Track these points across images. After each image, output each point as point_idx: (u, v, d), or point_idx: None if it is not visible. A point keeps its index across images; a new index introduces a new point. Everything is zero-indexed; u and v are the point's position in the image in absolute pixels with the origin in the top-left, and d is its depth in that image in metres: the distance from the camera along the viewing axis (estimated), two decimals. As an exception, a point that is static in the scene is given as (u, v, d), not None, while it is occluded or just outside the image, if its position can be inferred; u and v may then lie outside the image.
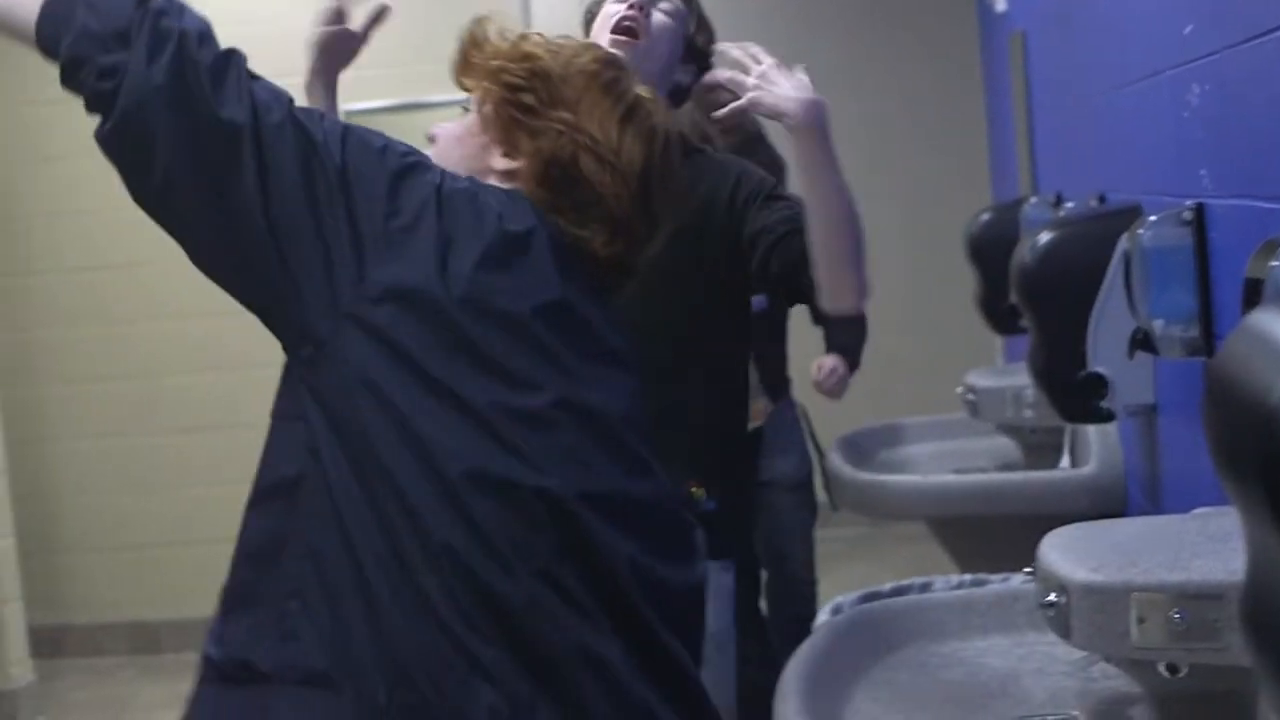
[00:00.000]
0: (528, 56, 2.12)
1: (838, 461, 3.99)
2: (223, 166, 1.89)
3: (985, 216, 4.63)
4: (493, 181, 2.08)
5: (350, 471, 1.87)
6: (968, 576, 2.96)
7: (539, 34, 2.18)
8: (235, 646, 1.91)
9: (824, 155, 2.82)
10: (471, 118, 2.16)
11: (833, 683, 2.27)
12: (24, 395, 6.96)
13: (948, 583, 2.94)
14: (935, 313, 8.14)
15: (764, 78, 2.85)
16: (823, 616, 3.00)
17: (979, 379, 4.13)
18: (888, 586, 2.94)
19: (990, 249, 4.33)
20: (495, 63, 2.13)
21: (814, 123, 2.81)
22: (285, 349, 1.95)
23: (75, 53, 1.92)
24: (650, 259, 3.04)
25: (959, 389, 4.15)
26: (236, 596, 1.94)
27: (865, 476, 3.88)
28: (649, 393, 2.99)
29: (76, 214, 6.99)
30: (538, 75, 2.11)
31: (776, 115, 2.83)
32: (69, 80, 1.93)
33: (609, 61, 2.18)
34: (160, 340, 6.89)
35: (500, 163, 2.11)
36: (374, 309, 1.90)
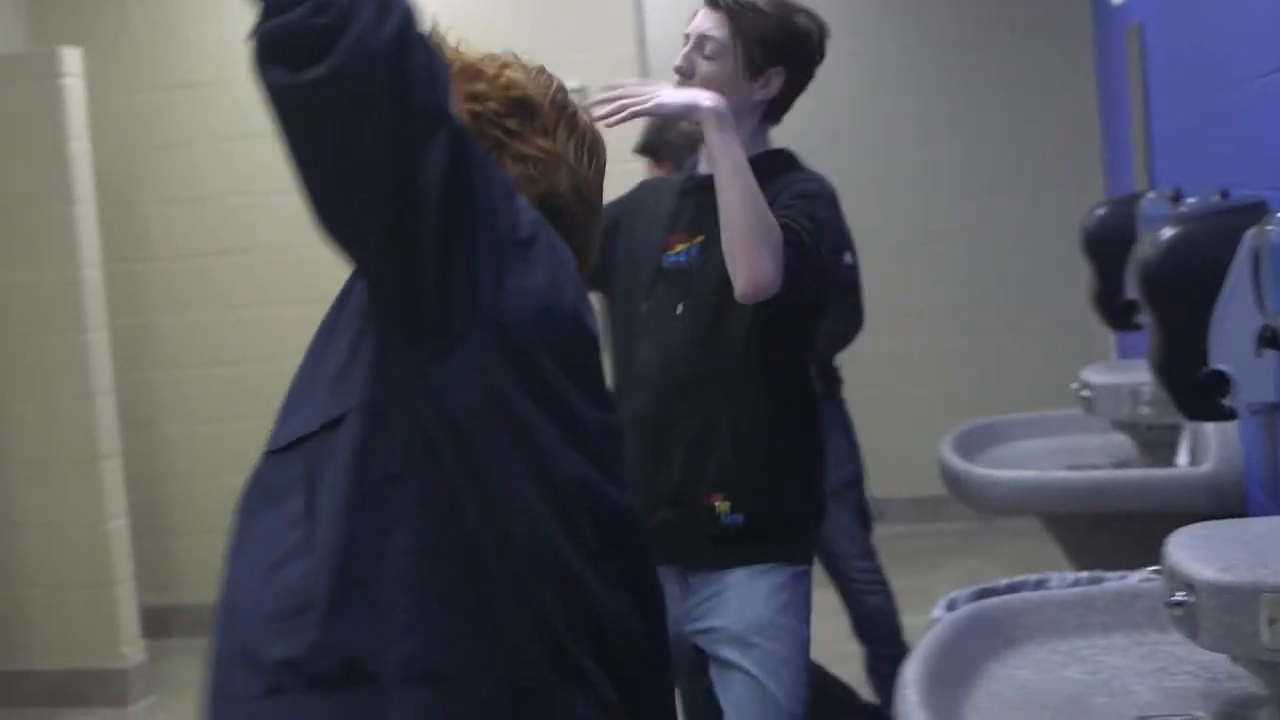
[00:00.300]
0: (511, 85, 2.10)
1: (951, 456, 3.96)
2: (419, 146, 1.79)
3: (1101, 211, 4.58)
4: None
5: (462, 473, 1.85)
6: (1084, 574, 2.94)
7: (505, 54, 2.15)
8: (337, 644, 1.81)
9: (721, 141, 3.02)
10: None
11: (953, 678, 2.26)
12: (138, 380, 7.05)
13: (1064, 579, 2.91)
14: (1047, 308, 8.10)
15: (647, 93, 3.08)
16: (937, 611, 2.99)
17: (1094, 375, 4.09)
18: (1003, 582, 2.92)
19: (1106, 244, 4.29)
20: (478, 85, 2.09)
21: (713, 112, 3.03)
22: (405, 338, 1.88)
23: None
24: (707, 273, 3.13)
25: (1074, 385, 4.11)
26: (336, 590, 1.82)
27: (980, 472, 3.85)
28: (702, 405, 3.17)
29: (190, 201, 7.05)
30: (522, 104, 2.10)
31: (687, 111, 3.08)
32: None
33: (565, 89, 2.18)
34: (270, 326, 6.95)
35: None
36: (509, 315, 1.89)
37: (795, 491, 3.25)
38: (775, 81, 3.20)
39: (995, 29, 8.23)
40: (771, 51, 3.17)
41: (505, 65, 2.12)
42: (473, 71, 2.10)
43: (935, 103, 8.30)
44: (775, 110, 3.26)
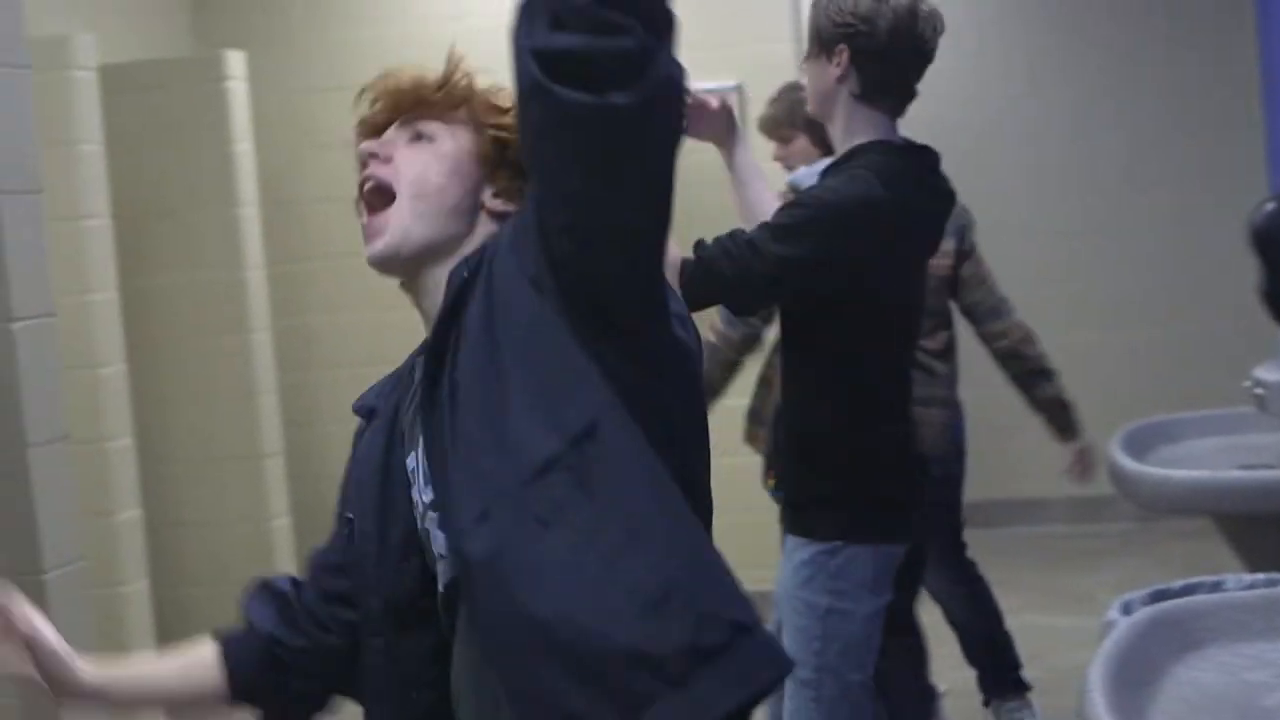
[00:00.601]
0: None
1: (1120, 455, 3.90)
2: (673, 163, 1.88)
3: (1270, 206, 4.47)
4: (461, 218, 2.13)
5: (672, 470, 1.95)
6: (1260, 575, 2.88)
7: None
8: (713, 613, 1.85)
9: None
10: (461, 148, 2.16)
11: (1137, 680, 2.23)
12: (296, 380, 7.13)
13: (1240, 581, 2.86)
14: (1203, 304, 8.00)
15: None
16: (1112, 613, 2.95)
17: (1268, 373, 4.01)
18: (1178, 584, 2.88)
19: (1277, 239, 4.21)
20: (503, 119, 2.15)
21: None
22: (627, 355, 1.94)
23: None
24: None
25: (1246, 383, 4.04)
26: (684, 567, 1.88)
27: (1152, 471, 3.79)
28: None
29: (347, 202, 7.06)
30: None
31: None
32: (590, 10, 1.75)
33: None
34: (423, 328, 7.00)
35: (495, 204, 2.15)
36: (682, 329, 2.02)
37: (818, 475, 3.46)
38: (843, 58, 3.36)
39: (1152, 21, 8.13)
40: (829, 30, 3.37)
41: (505, 91, 2.19)
42: (494, 105, 2.18)
43: (1089, 97, 8.23)
44: (871, 94, 3.39)
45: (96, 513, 5.30)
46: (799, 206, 3.31)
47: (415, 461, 2.10)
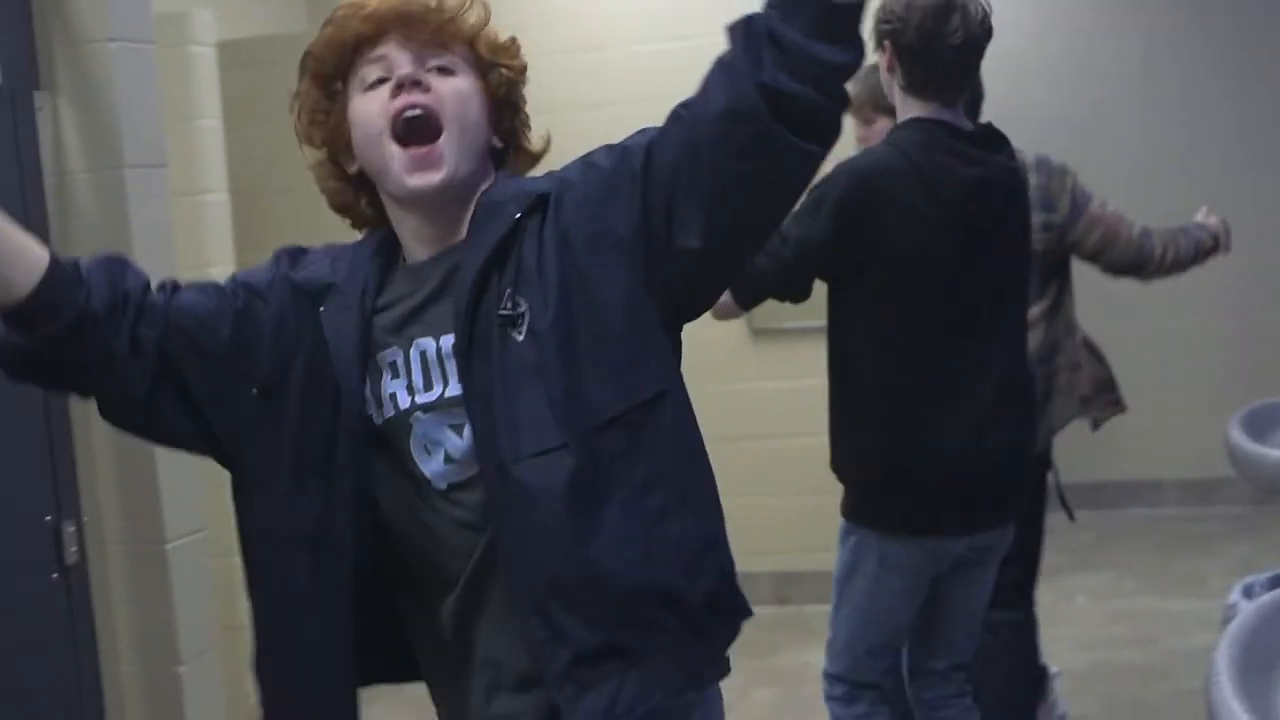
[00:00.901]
0: (522, 58, 2.27)
1: (1240, 437, 3.86)
2: None
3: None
4: (483, 155, 2.21)
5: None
6: (1385, 560, 2.84)
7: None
8: (730, 570, 2.18)
9: None
10: (476, 85, 2.20)
11: (1262, 664, 2.20)
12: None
13: (1364, 566, 2.83)
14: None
15: None
16: (1234, 597, 2.94)
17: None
18: (1300, 568, 2.85)
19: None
20: (515, 60, 2.26)
21: None
22: (681, 312, 2.16)
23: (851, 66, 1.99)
24: None
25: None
26: (718, 527, 2.18)
27: (1270, 453, 3.74)
28: None
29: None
30: (524, 71, 2.28)
31: None
32: (828, 72, 1.96)
33: None
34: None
35: (494, 141, 2.24)
36: None
37: (839, 457, 3.62)
38: (889, 52, 3.49)
39: (1265, 4, 8.05)
40: (877, 24, 3.48)
41: (514, 40, 2.28)
42: (500, 44, 2.24)
43: (1201, 79, 8.16)
44: (915, 87, 3.50)
45: (216, 485, 5.34)
46: (818, 186, 3.37)
47: (398, 356, 2.15)
